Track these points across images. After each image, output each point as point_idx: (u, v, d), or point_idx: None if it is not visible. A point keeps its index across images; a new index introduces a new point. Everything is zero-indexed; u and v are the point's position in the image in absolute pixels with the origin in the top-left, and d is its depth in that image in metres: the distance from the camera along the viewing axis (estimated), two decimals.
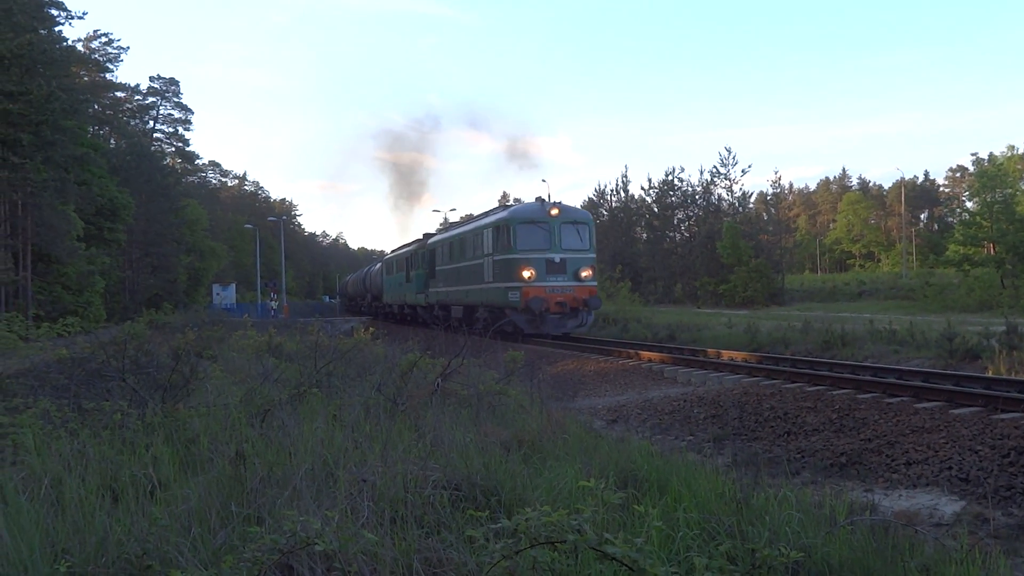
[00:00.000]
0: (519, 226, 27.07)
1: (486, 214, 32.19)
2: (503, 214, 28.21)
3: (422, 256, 40.18)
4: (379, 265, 59.35)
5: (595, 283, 27.69)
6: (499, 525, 3.99)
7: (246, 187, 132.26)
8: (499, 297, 27.64)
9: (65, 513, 5.34)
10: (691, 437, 11.89)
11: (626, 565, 3.66)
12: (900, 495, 8.41)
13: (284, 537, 3.86)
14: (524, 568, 4.26)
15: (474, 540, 4.18)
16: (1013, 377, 10.33)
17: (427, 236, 43.02)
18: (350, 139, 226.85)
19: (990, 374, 13.04)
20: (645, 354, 20.20)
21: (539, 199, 28.86)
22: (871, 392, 12.30)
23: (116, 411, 8.60)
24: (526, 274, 26.30)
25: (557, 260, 26.68)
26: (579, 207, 36.03)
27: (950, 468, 8.74)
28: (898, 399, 11.58)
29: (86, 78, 66.59)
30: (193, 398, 10.02)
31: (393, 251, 54.29)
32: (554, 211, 27.05)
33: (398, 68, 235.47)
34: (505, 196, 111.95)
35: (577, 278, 26.78)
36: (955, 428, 9.74)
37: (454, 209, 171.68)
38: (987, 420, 9.74)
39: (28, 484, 5.97)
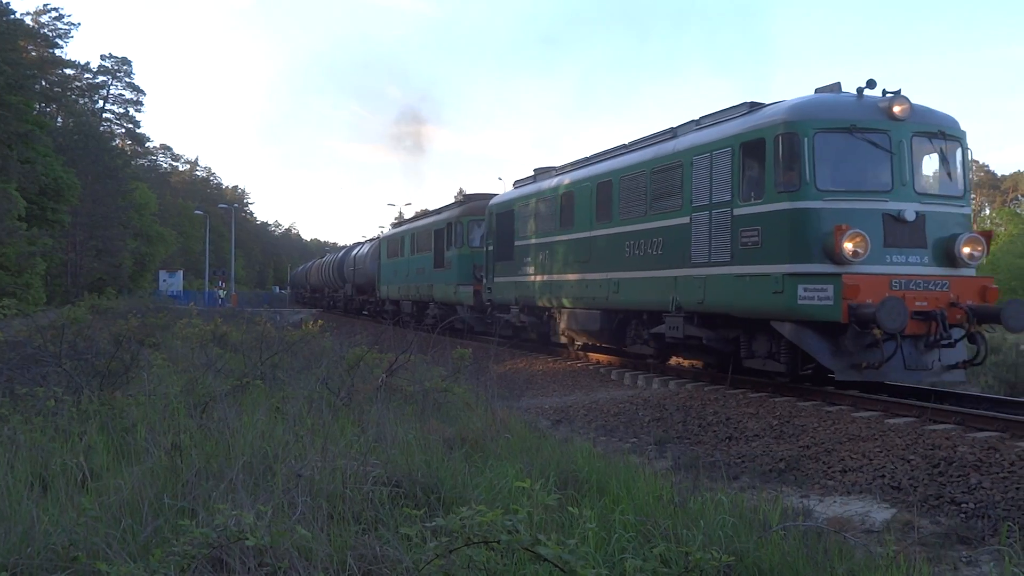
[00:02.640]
0: (823, 137, 12.84)
1: (696, 124, 15.91)
2: (775, 111, 13.52)
3: (466, 228, 27.79)
4: (367, 247, 45.78)
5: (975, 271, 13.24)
6: (434, 523, 4.01)
7: (198, 172, 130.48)
8: (764, 297, 12.97)
9: None
10: (635, 439, 11.96)
11: (558, 566, 3.71)
12: (835, 501, 8.55)
13: (215, 531, 3.85)
14: (459, 567, 4.29)
15: (409, 538, 4.20)
16: (945, 389, 10.58)
17: (471, 198, 30.79)
18: (311, 126, 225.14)
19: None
20: (593, 356, 20.29)
21: (859, 89, 13.33)
22: (812, 400, 12.48)
23: (50, 397, 8.46)
24: (848, 245, 12.04)
25: (908, 216, 12.50)
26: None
27: (883, 476, 8.92)
28: (837, 407, 11.77)
29: (33, 53, 65.11)
30: (132, 386, 9.88)
31: (399, 225, 42.78)
32: (898, 108, 12.90)
33: (362, 57, 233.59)
34: (461, 192, 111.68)
35: (949, 257, 12.61)
36: (889, 437, 9.93)
37: (409, 204, 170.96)
38: (920, 430, 9.94)
39: None
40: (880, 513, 8.01)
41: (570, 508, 4.88)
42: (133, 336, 14.92)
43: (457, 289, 27.46)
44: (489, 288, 24.51)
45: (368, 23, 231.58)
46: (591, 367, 19.04)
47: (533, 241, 21.46)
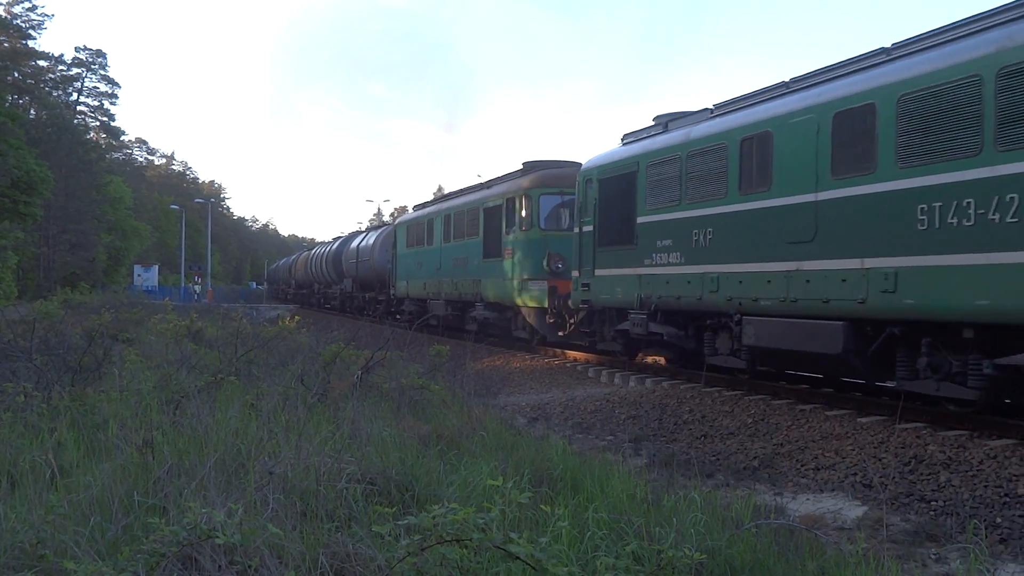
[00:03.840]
0: None
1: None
2: None
3: (536, 203, 20.76)
4: (373, 236, 37.77)
5: None
6: (406, 521, 4.02)
7: (174, 167, 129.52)
8: None
9: None
10: (611, 437, 12.00)
11: (530, 565, 3.72)
12: (807, 499, 8.62)
13: (185, 529, 3.83)
14: (432, 564, 4.29)
15: (382, 536, 4.20)
16: (918, 390, 10.64)
17: (537, 165, 22.28)
18: (289, 120, 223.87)
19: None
20: (571, 353, 20.26)
21: None
22: (785, 398, 12.57)
23: (20, 393, 8.40)
24: None
25: None
26: None
27: (855, 474, 9.00)
28: (811, 406, 11.86)
29: (6, 44, 64.52)
30: (104, 382, 9.82)
31: (424, 207, 31.24)
32: None
33: (345, 54, 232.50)
34: (440, 190, 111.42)
35: None
36: (862, 435, 10.02)
37: (387, 200, 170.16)
38: (891, 429, 10.03)
39: None
40: (852, 510, 8.09)
41: (543, 506, 4.91)
42: (106, 331, 14.79)
43: (522, 286, 20.03)
44: (586, 284, 16.87)
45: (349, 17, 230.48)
46: (568, 364, 19.07)
47: (679, 215, 14.17)
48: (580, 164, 19.19)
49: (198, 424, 6.96)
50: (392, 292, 32.62)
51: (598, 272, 16.62)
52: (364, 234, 41.44)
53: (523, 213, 20.79)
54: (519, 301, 20.68)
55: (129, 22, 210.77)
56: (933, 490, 8.24)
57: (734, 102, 13.91)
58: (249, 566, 3.87)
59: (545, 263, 19.87)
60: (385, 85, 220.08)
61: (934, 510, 7.84)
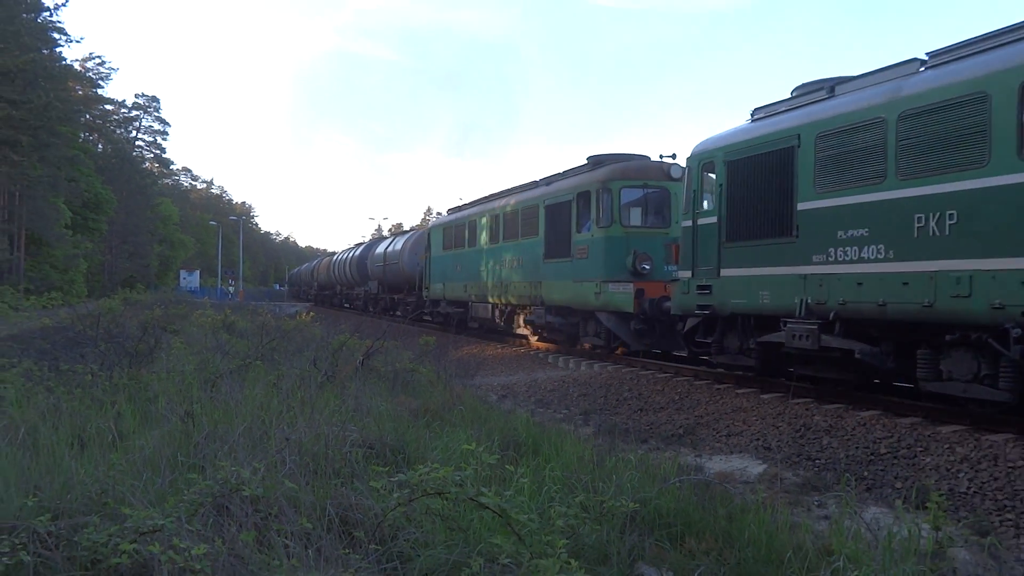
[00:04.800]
0: None
1: None
2: None
3: (616, 197, 15.53)
4: (401, 241, 32.19)
5: None
6: (397, 478, 4.01)
7: (213, 190, 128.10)
8: None
9: (39, 457, 5.22)
10: (566, 411, 11.99)
11: (497, 512, 3.72)
12: (721, 459, 8.68)
13: (218, 484, 3.80)
14: (419, 512, 4.29)
15: (378, 490, 4.19)
16: (809, 373, 10.71)
17: (607, 159, 16.87)
18: (309, 152, 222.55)
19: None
20: (534, 343, 20.13)
21: None
22: (705, 380, 12.63)
23: (88, 373, 8.34)
24: None
25: None
26: None
27: (758, 439, 9.07)
28: (724, 385, 11.91)
29: (80, 92, 63.65)
30: (155, 365, 9.72)
31: (459, 210, 25.16)
32: None
33: (352, 100, 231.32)
34: (429, 211, 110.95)
35: None
36: (763, 409, 10.09)
37: (386, 218, 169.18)
38: (786, 403, 10.11)
39: (8, 432, 5.80)
40: (755, 468, 8.15)
41: (508, 466, 4.91)
42: (157, 323, 14.59)
43: (601, 288, 14.99)
44: (704, 288, 11.69)
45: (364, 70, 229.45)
46: (532, 353, 19.01)
47: (884, 196, 8.94)
48: (648, 157, 16.22)
49: (230, 399, 6.91)
50: (425, 294, 26.99)
51: (725, 272, 11.17)
52: (391, 239, 36.38)
53: (600, 208, 15.43)
54: (596, 305, 15.23)
55: (180, 72, 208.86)
56: (817, 451, 8.33)
57: (983, 39, 8.35)
58: (269, 513, 3.84)
59: (630, 263, 14.75)
60: (384, 124, 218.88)
61: (818, 466, 7.93)
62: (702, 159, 12.07)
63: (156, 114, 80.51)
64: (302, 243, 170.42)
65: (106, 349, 10.20)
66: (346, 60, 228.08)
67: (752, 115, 11.68)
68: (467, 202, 25.14)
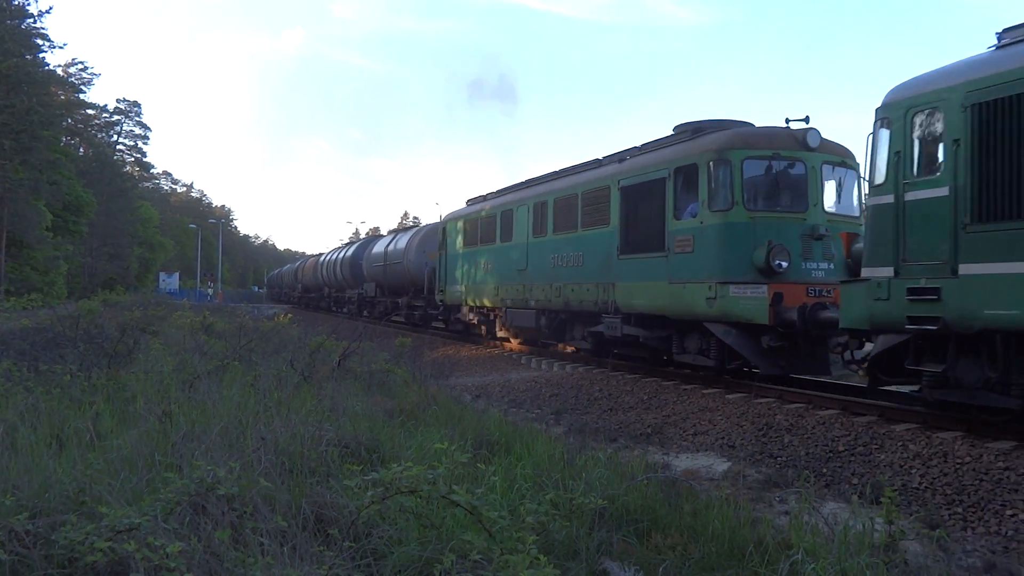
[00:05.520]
0: None
1: None
2: None
3: (736, 170, 11.03)
4: (404, 239, 28.14)
5: None
6: (370, 476, 3.99)
7: (193, 194, 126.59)
8: None
9: (17, 456, 5.13)
10: (538, 410, 12.00)
11: (468, 510, 3.72)
12: (687, 457, 8.74)
13: (193, 483, 3.76)
14: (393, 510, 4.28)
15: (351, 488, 4.16)
16: (770, 373, 10.80)
17: (704, 126, 12.55)
18: (287, 157, 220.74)
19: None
20: (508, 345, 20.02)
21: None
22: (672, 380, 12.69)
23: (67, 373, 8.20)
24: None
25: None
26: None
27: (723, 438, 9.15)
28: (691, 386, 11.98)
29: (62, 97, 62.67)
30: (134, 365, 9.58)
31: (484, 200, 20.63)
32: None
33: (329, 106, 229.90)
34: (406, 215, 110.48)
35: None
36: (728, 408, 10.18)
37: (363, 222, 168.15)
38: (750, 403, 10.22)
39: None
40: (720, 465, 8.22)
41: (479, 465, 4.90)
42: (136, 325, 14.39)
43: (718, 292, 10.91)
44: (930, 290, 7.58)
45: (334, 82, 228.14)
46: (506, 354, 18.99)
47: None
48: (751, 123, 12.22)
49: (207, 399, 6.83)
50: (439, 297, 22.73)
51: (970, 268, 7.29)
52: (392, 236, 31.72)
53: (715, 186, 11.18)
54: (707, 314, 11.04)
55: (161, 77, 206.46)
56: (779, 449, 8.42)
57: None
58: (245, 512, 3.81)
59: (762, 258, 10.61)
60: (360, 131, 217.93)
61: (779, 464, 8.02)
62: (912, 106, 8.01)
63: (137, 119, 79.47)
64: (281, 246, 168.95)
65: (85, 350, 10.04)
66: (326, 67, 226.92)
67: (998, 40, 7.72)
68: (496, 190, 20.34)
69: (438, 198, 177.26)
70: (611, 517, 5.13)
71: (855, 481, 7.21)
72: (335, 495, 4.41)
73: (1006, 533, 5.83)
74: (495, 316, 19.52)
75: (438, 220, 26.36)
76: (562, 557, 4.41)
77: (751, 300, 10.43)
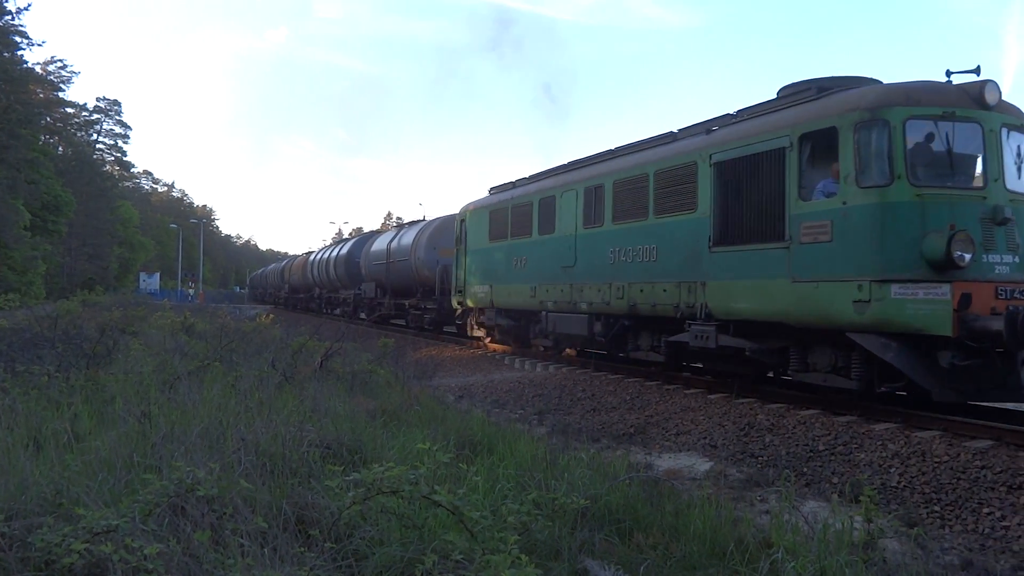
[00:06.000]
0: None
1: None
2: None
3: (901, 140, 8.17)
4: (417, 232, 25.09)
5: None
6: (352, 477, 3.98)
7: (174, 193, 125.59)
8: None
9: None
10: (521, 411, 12.00)
11: (449, 510, 3.71)
12: (670, 457, 8.77)
13: (173, 484, 3.73)
14: (375, 511, 4.26)
15: (332, 488, 4.14)
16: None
17: (833, 83, 9.67)
18: (270, 157, 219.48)
19: None
20: (491, 345, 19.91)
21: None
22: (655, 381, 12.74)
23: (44, 374, 8.12)
24: None
25: None
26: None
27: (705, 438, 9.20)
28: (674, 386, 12.03)
29: (41, 95, 61.98)
30: (113, 366, 9.48)
31: (513, 187, 17.69)
32: None
33: (312, 105, 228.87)
34: (390, 216, 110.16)
35: None
36: (710, 408, 10.23)
37: (347, 222, 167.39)
38: (731, 403, 10.28)
39: None
40: (702, 465, 8.25)
41: (461, 465, 4.90)
42: (116, 325, 14.24)
43: (873, 293, 8.15)
44: None
45: (316, 81, 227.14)
46: (489, 355, 18.98)
47: None
48: (880, 81, 9.64)
49: (187, 400, 6.77)
50: (456, 300, 20.08)
51: None
52: (396, 231, 28.68)
53: (859, 157, 8.52)
54: (856, 321, 8.42)
55: (142, 76, 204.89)
56: (760, 448, 8.47)
57: None
58: (224, 513, 3.78)
59: (941, 249, 7.95)
60: (345, 130, 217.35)
61: (760, 463, 8.06)
62: None
63: (117, 118, 78.91)
64: (263, 246, 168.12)
65: (63, 350, 9.93)
66: (309, 67, 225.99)
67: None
68: (529, 175, 17.38)
69: (422, 199, 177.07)
70: (593, 517, 5.14)
71: (835, 480, 7.27)
72: (316, 496, 4.39)
73: (983, 531, 5.90)
74: (530, 321, 16.86)
75: (443, 213, 24.88)
76: (545, 557, 4.41)
77: (926, 304, 7.89)
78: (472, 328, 20.02)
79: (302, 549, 3.67)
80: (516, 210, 16.82)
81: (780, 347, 9.90)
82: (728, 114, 11.29)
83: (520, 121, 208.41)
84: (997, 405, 8.96)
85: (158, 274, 75.32)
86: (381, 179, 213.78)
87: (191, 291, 66.04)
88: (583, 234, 13.94)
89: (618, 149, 13.91)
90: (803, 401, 9.88)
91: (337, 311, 37.03)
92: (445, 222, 24.10)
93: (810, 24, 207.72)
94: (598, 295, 13.22)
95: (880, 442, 7.82)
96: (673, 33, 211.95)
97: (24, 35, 43.96)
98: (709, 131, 11.20)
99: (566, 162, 15.78)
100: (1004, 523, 5.92)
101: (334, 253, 36.46)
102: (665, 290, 11.43)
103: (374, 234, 34.07)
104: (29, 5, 49.30)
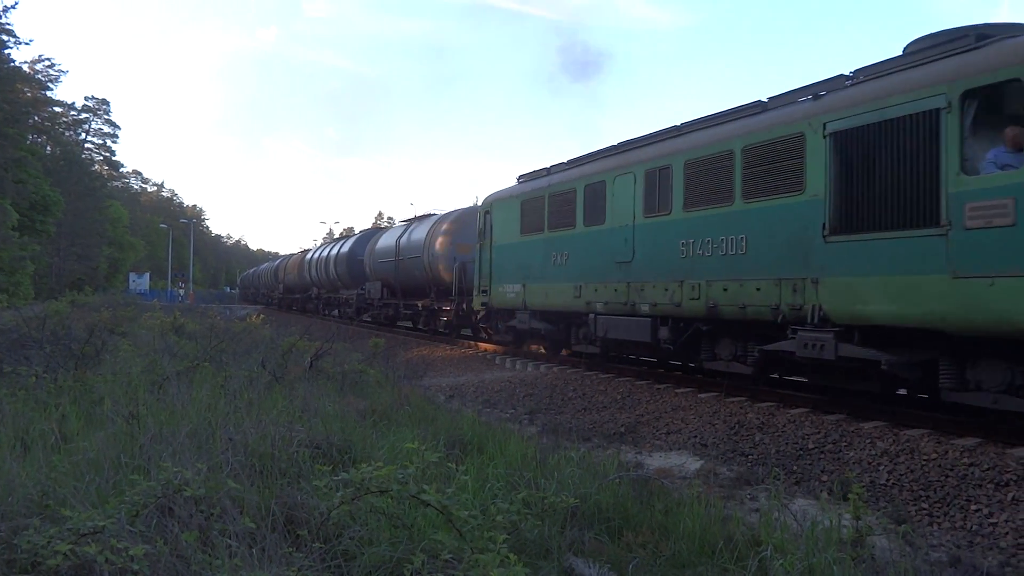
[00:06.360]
0: None
1: None
2: None
3: None
4: (431, 226, 23.10)
5: None
6: (340, 477, 3.97)
7: (163, 193, 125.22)
8: None
9: None
10: (512, 410, 12.00)
11: (438, 509, 3.71)
12: (660, 456, 8.79)
13: (160, 485, 3.71)
14: (364, 511, 4.25)
15: (320, 488, 4.14)
16: (737, 371, 10.70)
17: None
18: (261, 156, 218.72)
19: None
20: (482, 345, 19.93)
21: None
22: (646, 380, 12.76)
23: (32, 375, 8.07)
24: None
25: None
26: None
27: (696, 436, 9.22)
28: (664, 385, 12.06)
29: (29, 94, 61.67)
30: (102, 367, 9.44)
31: (549, 173, 15.57)
32: None
33: (303, 104, 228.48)
34: (380, 215, 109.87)
35: None
36: (701, 407, 10.26)
37: (337, 222, 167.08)
38: (722, 402, 10.31)
39: None
40: (693, 464, 8.28)
41: (449, 464, 4.90)
42: (105, 326, 14.17)
43: None
44: None
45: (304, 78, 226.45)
46: (480, 354, 18.99)
47: None
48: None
49: (176, 401, 6.75)
50: (481, 301, 17.98)
51: None
52: (406, 226, 26.19)
53: None
54: None
55: (132, 75, 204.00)
56: (750, 447, 8.50)
57: None
58: (212, 514, 3.77)
59: None
60: (335, 130, 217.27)
61: (751, 461, 8.09)
62: None
63: (106, 117, 78.60)
64: (253, 246, 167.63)
65: (52, 351, 9.87)
66: (300, 66, 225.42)
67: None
68: (570, 159, 15.23)
69: (412, 198, 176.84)
70: (583, 516, 5.15)
71: (824, 478, 7.31)
72: (306, 496, 4.37)
73: (970, 528, 5.94)
74: (571, 325, 14.83)
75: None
76: (534, 556, 4.42)
77: None
78: (496, 332, 18.02)
79: (290, 549, 3.66)
80: (555, 199, 14.72)
81: (928, 359, 8.02)
82: (841, 75, 9.38)
83: (514, 120, 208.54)
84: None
85: (148, 274, 75.00)
86: (371, 179, 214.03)
87: (181, 291, 65.75)
88: (644, 224, 11.92)
89: (686, 125, 11.88)
90: (793, 400, 9.92)
91: (335, 312, 35.60)
92: (464, 215, 22.19)
93: (799, 24, 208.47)
94: (664, 295, 11.23)
95: (869, 440, 7.86)
96: (665, 33, 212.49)
97: (11, 33, 43.88)
98: (817, 96, 9.37)
99: (617, 142, 13.66)
100: (992, 520, 5.96)
101: (334, 251, 34.48)
102: (759, 289, 9.56)
103: (379, 230, 32.31)
104: (16, 3, 49.04)
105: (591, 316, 13.31)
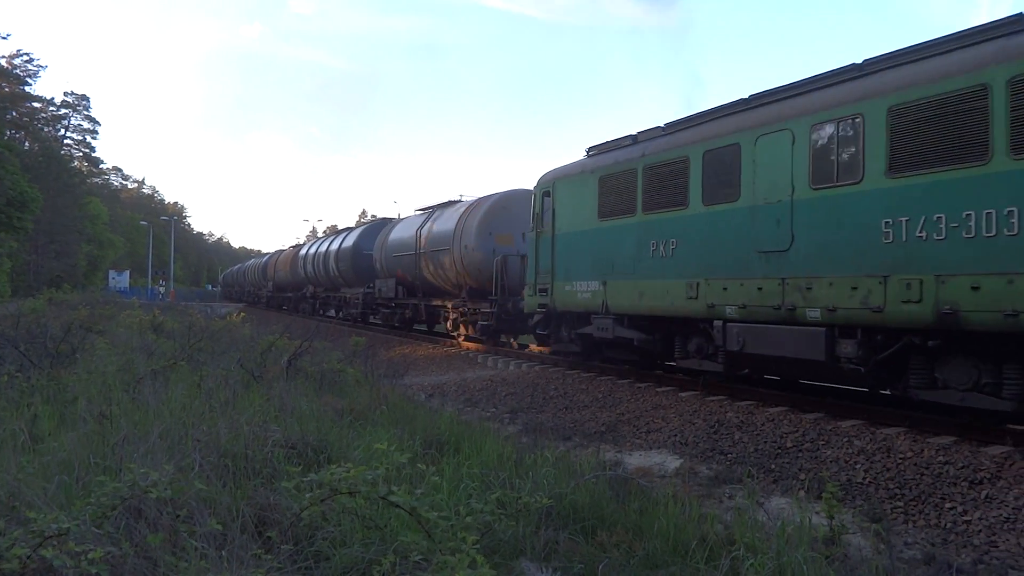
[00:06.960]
0: None
1: None
2: None
3: None
4: (459, 214, 20.15)
5: None
6: (309, 478, 3.95)
7: (144, 190, 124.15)
8: None
9: None
10: (494, 409, 11.99)
11: (406, 510, 3.71)
12: (641, 454, 8.81)
13: (126, 486, 3.68)
14: (337, 512, 4.24)
15: (290, 489, 4.12)
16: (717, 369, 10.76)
17: None
18: (243, 153, 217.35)
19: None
20: (465, 344, 19.95)
21: None
22: (627, 379, 12.81)
23: (3, 374, 7.96)
24: None
25: None
26: None
27: (676, 435, 9.26)
28: (646, 384, 12.11)
29: (6, 89, 61.05)
30: (77, 366, 9.34)
31: (664, 134, 11.66)
32: None
33: (286, 101, 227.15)
34: (364, 213, 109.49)
35: None
36: (681, 406, 10.31)
37: (320, 220, 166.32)
38: (702, 401, 10.36)
39: None
40: (672, 462, 8.31)
41: (420, 465, 4.89)
42: (82, 324, 14.03)
43: None
44: None
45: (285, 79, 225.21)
46: (463, 353, 18.97)
47: None
48: None
49: (151, 400, 6.69)
50: (539, 301, 14.54)
51: None
52: (428, 214, 23.04)
53: None
54: None
55: (112, 71, 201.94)
56: (729, 446, 8.55)
57: None
58: (178, 515, 3.74)
59: None
60: (319, 127, 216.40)
61: (730, 460, 8.14)
62: None
63: (86, 112, 77.77)
64: (235, 244, 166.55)
65: (26, 350, 9.77)
66: (283, 63, 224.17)
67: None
68: (672, 120, 12.04)
69: (396, 196, 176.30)
70: (558, 516, 5.15)
71: (802, 476, 7.36)
72: (278, 497, 4.35)
73: (945, 526, 6.00)
74: (677, 334, 11.55)
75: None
76: (508, 556, 4.42)
77: None
78: (559, 341, 14.58)
79: (260, 551, 3.64)
80: (653, 172, 11.51)
81: None
82: None
83: (493, 117, 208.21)
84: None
85: (128, 272, 74.35)
86: (355, 177, 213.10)
87: (162, 289, 65.22)
88: (810, 199, 8.88)
89: (882, 57, 8.71)
90: (772, 399, 9.98)
91: (333, 312, 32.63)
92: (502, 199, 19.28)
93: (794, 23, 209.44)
94: (851, 296, 8.27)
95: (846, 439, 7.92)
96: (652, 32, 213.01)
97: None
98: None
99: (758, 91, 10.45)
100: (965, 518, 6.03)
101: (335, 245, 30.60)
102: None
103: (389, 221, 28.39)
104: None
105: (715, 324, 10.16)
